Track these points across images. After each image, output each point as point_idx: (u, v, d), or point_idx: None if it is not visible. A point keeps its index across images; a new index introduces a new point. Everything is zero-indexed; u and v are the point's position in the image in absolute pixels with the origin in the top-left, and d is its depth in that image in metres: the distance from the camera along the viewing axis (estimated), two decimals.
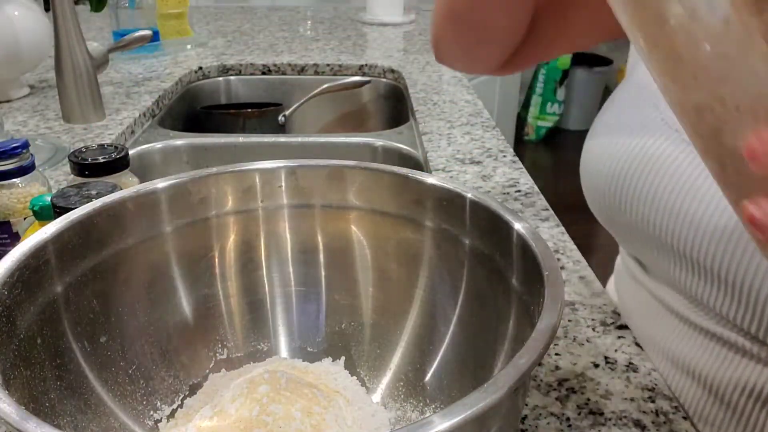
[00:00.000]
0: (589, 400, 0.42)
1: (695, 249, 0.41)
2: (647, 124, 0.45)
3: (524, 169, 0.78)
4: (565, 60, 3.38)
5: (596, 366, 0.45)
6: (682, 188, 0.41)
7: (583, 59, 3.46)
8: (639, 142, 0.45)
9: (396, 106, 1.24)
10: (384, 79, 1.26)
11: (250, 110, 1.19)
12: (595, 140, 0.51)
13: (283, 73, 1.28)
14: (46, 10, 1.14)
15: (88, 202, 0.41)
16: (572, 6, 0.50)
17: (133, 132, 0.95)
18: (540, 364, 0.43)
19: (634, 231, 0.47)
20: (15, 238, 0.58)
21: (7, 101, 1.04)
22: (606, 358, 0.46)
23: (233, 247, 0.47)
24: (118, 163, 0.56)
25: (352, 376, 0.45)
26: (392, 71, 1.25)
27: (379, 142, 0.93)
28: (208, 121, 1.19)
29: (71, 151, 0.57)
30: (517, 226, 0.37)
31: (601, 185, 0.48)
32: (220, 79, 1.27)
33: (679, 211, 0.41)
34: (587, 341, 0.48)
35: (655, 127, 0.45)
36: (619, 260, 0.60)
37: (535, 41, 0.53)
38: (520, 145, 3.40)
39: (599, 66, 3.48)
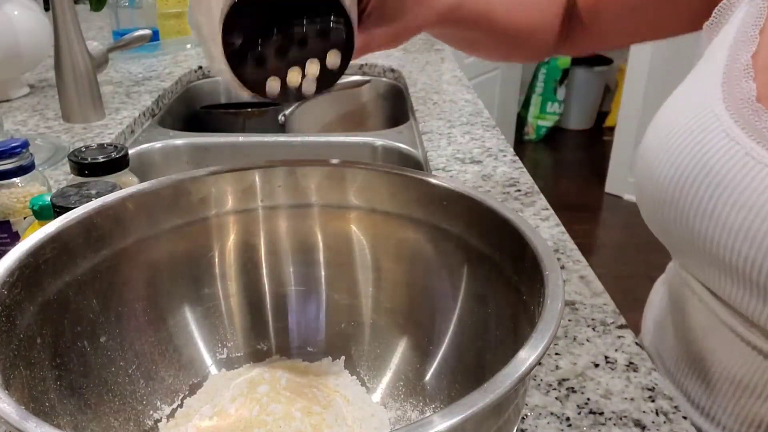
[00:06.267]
0: (589, 400, 0.42)
1: (755, 269, 0.39)
2: (708, 134, 0.43)
3: (524, 169, 0.78)
4: (565, 59, 3.38)
5: (596, 366, 0.45)
6: (745, 205, 0.40)
7: (583, 59, 3.46)
8: (699, 152, 0.43)
9: (396, 106, 1.24)
10: (384, 79, 1.26)
11: (250, 110, 1.19)
12: (651, 148, 0.48)
13: None
14: (46, 9, 1.14)
15: (87, 202, 0.41)
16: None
17: (132, 131, 0.95)
18: (540, 364, 0.43)
19: (690, 245, 0.45)
20: (15, 238, 0.58)
21: (7, 101, 1.04)
22: (606, 358, 0.46)
23: (233, 247, 0.47)
24: (117, 163, 0.56)
25: (352, 376, 0.45)
26: (392, 71, 1.25)
27: (379, 142, 0.93)
28: (208, 121, 1.19)
29: (71, 150, 0.57)
30: (517, 225, 0.37)
31: (659, 194, 0.46)
32: (220, 78, 1.27)
33: (740, 229, 0.40)
34: (587, 341, 0.48)
35: (716, 138, 0.43)
36: (670, 266, 0.58)
37: (599, 33, 0.58)
38: (520, 145, 3.40)
39: (599, 65, 3.48)
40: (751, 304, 0.41)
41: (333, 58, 0.38)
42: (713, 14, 0.50)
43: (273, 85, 0.38)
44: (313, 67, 0.38)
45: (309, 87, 0.39)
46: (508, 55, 0.62)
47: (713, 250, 0.42)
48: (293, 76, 0.38)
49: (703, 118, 0.44)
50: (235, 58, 0.36)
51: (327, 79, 0.38)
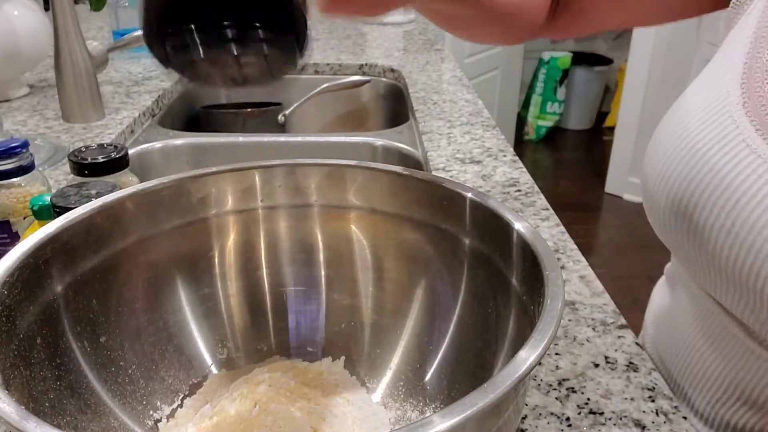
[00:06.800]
0: (589, 400, 0.42)
1: None
2: (726, 144, 0.40)
3: (524, 169, 0.78)
4: (565, 59, 3.38)
5: (596, 366, 0.45)
6: (767, 224, 0.36)
7: (583, 59, 3.46)
8: (717, 164, 0.40)
9: (396, 106, 1.24)
10: (384, 79, 1.26)
11: (249, 110, 1.19)
12: (661, 153, 0.45)
13: None
14: (46, 9, 1.14)
15: (87, 202, 0.41)
16: None
17: (132, 131, 0.95)
18: (540, 364, 0.43)
19: (703, 260, 0.42)
20: (15, 238, 0.58)
21: (7, 101, 1.03)
22: (606, 358, 0.46)
23: (233, 247, 0.47)
24: (117, 163, 0.56)
25: (352, 376, 0.45)
26: (392, 70, 1.25)
27: (379, 142, 0.93)
28: (208, 121, 1.19)
29: (71, 150, 0.57)
30: (517, 225, 0.37)
31: (670, 203, 0.43)
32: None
33: (760, 249, 0.37)
34: (587, 341, 0.48)
35: (736, 149, 0.39)
36: (668, 267, 0.56)
37: (584, 15, 0.55)
38: (520, 145, 3.41)
39: (599, 65, 3.48)
40: (766, 322, 0.40)
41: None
42: (731, 4, 0.46)
43: (204, 69, 0.30)
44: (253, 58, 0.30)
45: (253, 73, 0.31)
46: (492, 38, 0.58)
47: (728, 268, 0.40)
48: (229, 62, 0.30)
49: (721, 124, 0.41)
50: (152, 30, 0.28)
51: (279, 67, 0.30)
